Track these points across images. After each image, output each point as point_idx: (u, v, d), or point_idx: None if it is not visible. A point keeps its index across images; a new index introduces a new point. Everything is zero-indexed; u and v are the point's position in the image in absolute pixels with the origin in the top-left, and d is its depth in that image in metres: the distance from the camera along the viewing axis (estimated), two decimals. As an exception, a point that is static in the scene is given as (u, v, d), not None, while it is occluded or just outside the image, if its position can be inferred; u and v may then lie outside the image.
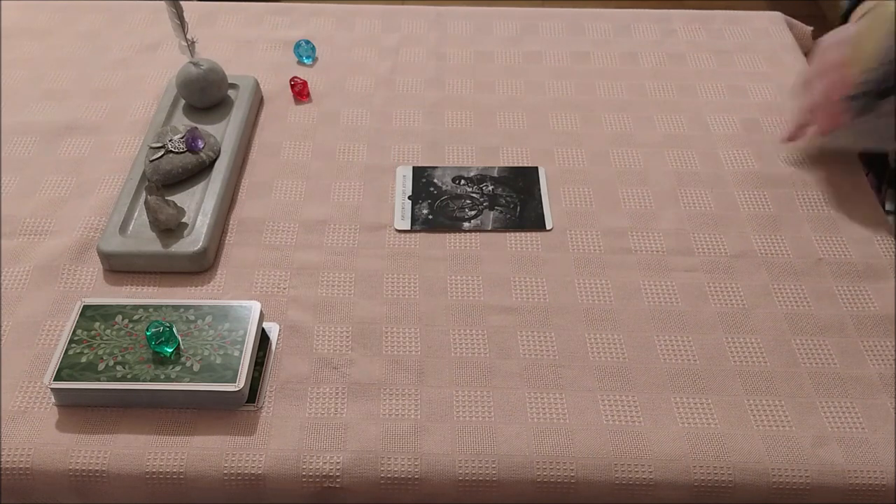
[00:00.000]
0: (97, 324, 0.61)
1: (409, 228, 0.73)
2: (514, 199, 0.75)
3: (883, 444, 0.57)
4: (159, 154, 0.74)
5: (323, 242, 0.71)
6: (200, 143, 0.75)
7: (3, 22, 0.97)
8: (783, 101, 0.87)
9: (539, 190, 0.76)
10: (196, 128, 0.76)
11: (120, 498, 0.57)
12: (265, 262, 0.69)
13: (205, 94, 0.80)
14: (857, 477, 0.55)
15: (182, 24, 0.78)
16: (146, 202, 0.68)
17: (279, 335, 0.64)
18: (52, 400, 0.59)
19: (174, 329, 0.61)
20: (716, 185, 0.77)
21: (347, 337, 0.64)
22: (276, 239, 0.71)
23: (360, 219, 0.73)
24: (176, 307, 0.63)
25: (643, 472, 0.56)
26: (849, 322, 0.65)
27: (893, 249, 0.70)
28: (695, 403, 0.60)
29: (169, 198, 0.70)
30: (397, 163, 0.79)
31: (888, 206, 0.81)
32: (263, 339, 0.63)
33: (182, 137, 0.75)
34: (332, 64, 0.92)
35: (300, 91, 0.86)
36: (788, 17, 0.99)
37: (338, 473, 0.56)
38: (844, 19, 0.82)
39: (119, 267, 0.68)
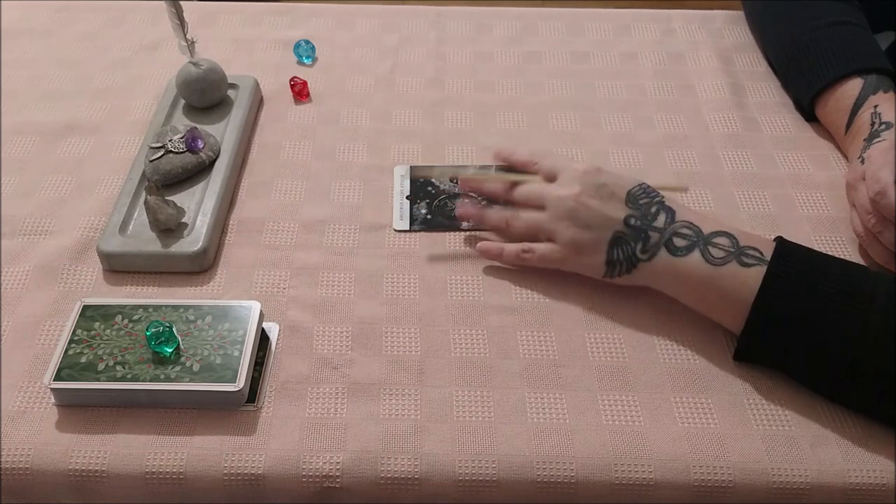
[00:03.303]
0: (97, 324, 0.61)
1: (407, 228, 0.72)
2: (514, 199, 0.75)
3: (883, 444, 0.57)
4: (159, 154, 0.74)
5: (323, 242, 0.71)
6: (200, 143, 0.75)
7: (3, 22, 0.97)
8: (782, 101, 0.87)
9: (539, 190, 0.76)
10: (196, 128, 0.76)
11: (120, 498, 0.57)
12: (265, 262, 0.69)
13: (205, 95, 0.80)
14: (857, 477, 0.55)
15: (182, 24, 0.78)
16: (146, 202, 0.68)
17: (279, 335, 0.64)
18: (52, 400, 0.59)
19: (174, 329, 0.61)
20: (716, 185, 0.77)
21: (347, 337, 0.64)
22: (276, 239, 0.71)
23: (360, 219, 0.73)
24: (176, 307, 0.63)
25: (643, 472, 0.56)
26: (849, 322, 0.65)
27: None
28: (695, 403, 0.60)
29: (169, 198, 0.70)
30: (397, 163, 0.79)
31: None
32: (263, 339, 0.63)
33: (182, 137, 0.75)
34: (332, 64, 0.92)
35: (300, 91, 0.86)
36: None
37: (338, 473, 0.56)
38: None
39: (119, 267, 0.68)
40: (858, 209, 0.69)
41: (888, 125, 0.71)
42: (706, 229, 0.60)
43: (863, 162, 0.70)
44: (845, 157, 0.79)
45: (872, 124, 0.73)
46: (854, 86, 0.76)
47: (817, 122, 0.83)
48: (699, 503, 0.56)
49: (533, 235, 0.68)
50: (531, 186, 0.69)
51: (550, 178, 0.68)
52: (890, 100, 0.74)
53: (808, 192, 0.76)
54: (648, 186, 0.65)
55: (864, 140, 0.72)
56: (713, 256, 0.59)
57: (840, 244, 0.71)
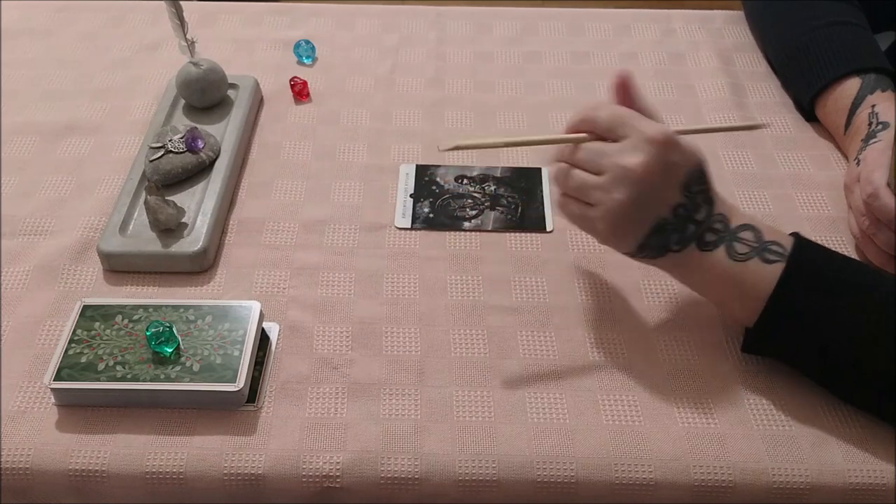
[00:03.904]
0: (97, 324, 0.61)
1: (409, 226, 0.73)
2: (516, 199, 0.75)
3: (883, 444, 0.57)
4: (159, 154, 0.74)
5: (323, 242, 0.71)
6: (200, 143, 0.75)
7: (3, 22, 0.97)
8: (782, 101, 0.87)
9: (541, 191, 0.76)
10: (196, 128, 0.76)
11: (120, 498, 0.57)
12: (265, 262, 0.69)
13: (205, 94, 0.80)
14: (857, 477, 0.55)
15: (182, 24, 0.78)
16: (146, 202, 0.68)
17: (279, 335, 0.64)
18: (52, 400, 0.59)
19: (174, 329, 0.61)
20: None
21: (347, 337, 0.64)
22: (276, 239, 0.71)
23: (360, 219, 0.73)
24: (176, 307, 0.63)
25: (643, 472, 0.56)
26: (849, 322, 0.65)
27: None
28: (695, 403, 0.60)
29: (169, 198, 0.70)
30: (398, 162, 0.79)
31: None
32: (263, 339, 0.63)
33: (182, 137, 0.75)
34: (332, 64, 0.92)
35: (300, 91, 0.86)
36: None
37: (338, 473, 0.56)
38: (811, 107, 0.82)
39: (119, 267, 0.68)
40: (853, 211, 0.69)
41: (885, 125, 0.71)
42: (734, 222, 0.58)
43: (858, 164, 0.70)
44: (845, 157, 0.79)
45: (870, 124, 0.73)
46: (852, 85, 0.76)
47: (817, 122, 0.83)
48: (699, 503, 0.56)
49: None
50: (594, 146, 0.58)
51: (611, 135, 0.58)
52: (888, 99, 0.73)
53: (808, 192, 0.76)
54: (704, 168, 0.58)
55: (862, 140, 0.72)
56: (737, 252, 0.57)
57: (840, 244, 0.71)
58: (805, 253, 0.57)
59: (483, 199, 0.75)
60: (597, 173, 0.58)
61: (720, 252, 0.58)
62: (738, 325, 0.62)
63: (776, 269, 0.56)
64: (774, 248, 0.57)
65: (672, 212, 0.57)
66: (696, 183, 0.58)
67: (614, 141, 0.57)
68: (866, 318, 0.54)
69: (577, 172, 0.59)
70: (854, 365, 0.55)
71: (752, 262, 0.57)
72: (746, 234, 0.58)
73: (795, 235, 0.59)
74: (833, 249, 0.59)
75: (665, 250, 0.59)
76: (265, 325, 0.64)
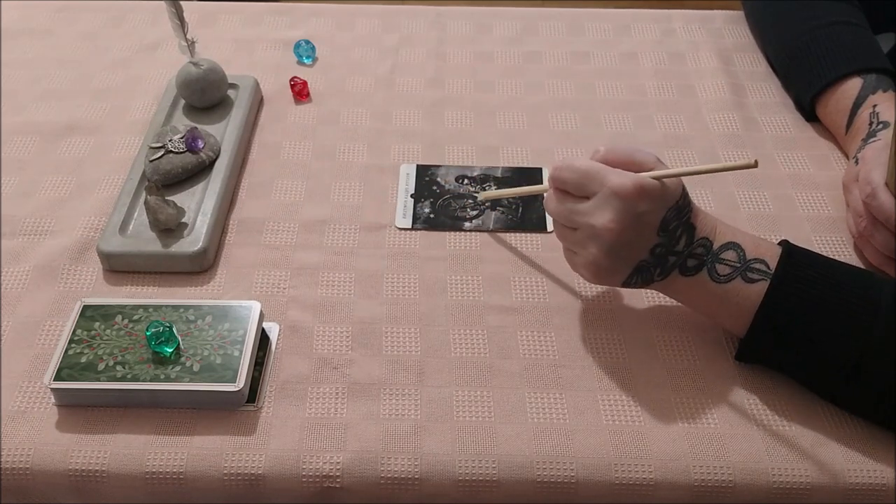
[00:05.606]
0: (97, 324, 0.61)
1: (409, 227, 0.72)
2: (516, 199, 0.75)
3: (883, 445, 0.57)
4: (159, 154, 0.74)
5: (323, 242, 0.71)
6: (200, 143, 0.75)
7: (3, 22, 0.97)
8: (782, 101, 0.87)
9: (539, 190, 0.76)
10: (196, 128, 0.76)
11: (120, 498, 0.57)
12: (265, 262, 0.69)
13: (205, 94, 0.80)
14: (857, 477, 0.55)
15: (182, 24, 0.78)
16: (146, 202, 0.68)
17: (279, 335, 0.64)
18: (52, 400, 0.59)
19: (174, 329, 0.61)
20: (716, 184, 0.77)
21: (347, 337, 0.64)
22: (276, 239, 0.71)
23: (361, 219, 0.73)
24: (176, 307, 0.63)
25: (643, 472, 0.56)
26: (849, 322, 0.65)
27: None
28: (695, 403, 0.60)
29: (169, 198, 0.70)
30: (398, 163, 0.79)
31: None
32: (263, 339, 0.63)
33: (182, 137, 0.75)
34: (332, 64, 0.92)
35: (300, 91, 0.86)
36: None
37: (338, 473, 0.56)
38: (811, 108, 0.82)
39: (119, 267, 0.68)
40: (851, 211, 0.69)
41: (885, 124, 0.71)
42: (717, 242, 0.58)
43: (857, 162, 0.70)
44: (846, 156, 0.79)
45: (871, 124, 0.73)
46: (853, 85, 0.76)
47: (817, 121, 0.83)
48: (699, 503, 0.56)
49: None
50: (567, 205, 0.59)
51: (581, 193, 0.58)
52: (889, 99, 0.73)
53: (808, 192, 0.76)
54: (683, 201, 0.58)
55: (862, 140, 0.72)
56: (719, 274, 0.58)
57: (840, 244, 0.71)
58: (790, 266, 0.57)
59: (484, 199, 0.75)
60: (573, 229, 0.59)
61: (703, 275, 0.58)
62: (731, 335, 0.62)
63: (760, 288, 0.57)
64: (757, 265, 0.57)
65: (650, 253, 0.58)
66: (674, 220, 0.57)
67: (586, 198, 0.57)
68: (862, 324, 0.54)
69: (559, 223, 0.61)
70: (847, 372, 0.55)
71: (735, 283, 0.57)
72: (729, 255, 0.58)
73: (783, 245, 0.59)
74: (822, 254, 0.59)
75: (650, 281, 0.60)
76: (265, 325, 0.64)
